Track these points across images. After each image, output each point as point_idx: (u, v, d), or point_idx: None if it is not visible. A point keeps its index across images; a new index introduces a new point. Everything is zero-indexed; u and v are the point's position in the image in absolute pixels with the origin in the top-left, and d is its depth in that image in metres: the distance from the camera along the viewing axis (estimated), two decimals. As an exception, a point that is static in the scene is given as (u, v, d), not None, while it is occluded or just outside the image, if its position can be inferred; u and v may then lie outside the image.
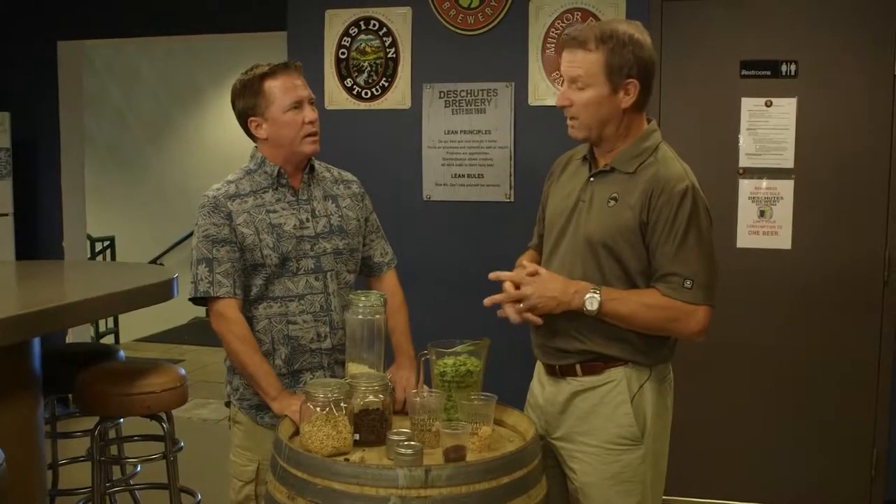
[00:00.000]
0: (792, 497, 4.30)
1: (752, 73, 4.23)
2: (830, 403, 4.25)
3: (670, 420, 2.52)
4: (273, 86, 2.69)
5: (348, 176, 3.02)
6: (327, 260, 2.77)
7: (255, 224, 2.68)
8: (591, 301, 2.34)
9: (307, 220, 2.76)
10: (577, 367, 2.46)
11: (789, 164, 4.20)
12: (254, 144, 2.84)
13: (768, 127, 4.22)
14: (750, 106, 4.24)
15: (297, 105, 2.70)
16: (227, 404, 2.89)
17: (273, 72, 2.70)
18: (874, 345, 4.19)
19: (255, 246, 2.66)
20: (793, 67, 4.19)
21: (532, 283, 2.43)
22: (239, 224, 2.66)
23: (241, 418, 2.80)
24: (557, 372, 2.51)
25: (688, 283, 2.31)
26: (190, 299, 2.70)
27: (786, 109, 4.20)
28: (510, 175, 4.52)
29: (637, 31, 2.40)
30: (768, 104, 4.21)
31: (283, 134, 2.70)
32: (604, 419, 2.43)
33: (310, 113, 2.73)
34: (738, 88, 4.23)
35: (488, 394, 2.39)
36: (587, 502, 2.47)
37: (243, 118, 2.74)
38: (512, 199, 4.53)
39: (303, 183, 2.81)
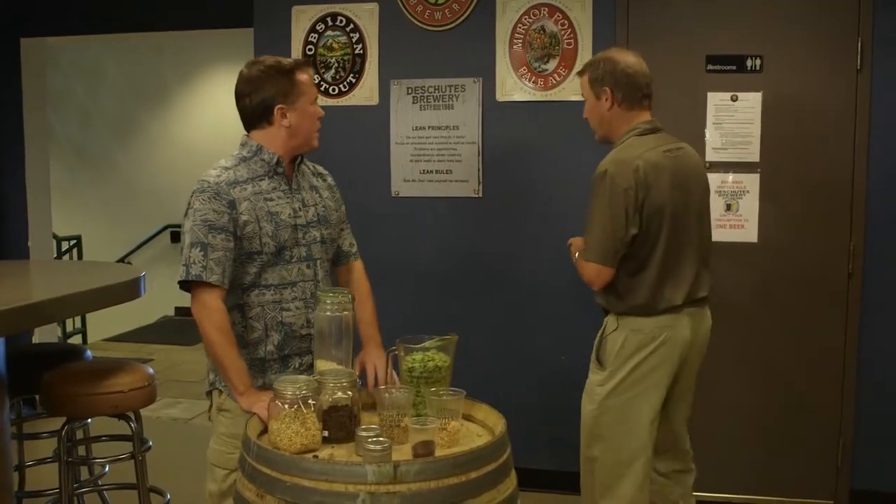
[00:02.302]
0: (758, 488, 4.34)
1: (718, 67, 4.26)
2: (797, 395, 4.29)
3: (642, 366, 3.09)
4: (303, 78, 2.79)
5: (321, 169, 3.09)
6: (316, 248, 2.86)
7: (256, 212, 2.71)
8: (575, 254, 3.22)
9: (300, 208, 2.83)
10: (602, 311, 3.25)
11: (755, 157, 4.25)
12: (244, 133, 2.84)
13: (734, 121, 4.25)
14: (716, 100, 4.27)
15: (315, 100, 2.85)
16: (209, 393, 2.88)
17: (302, 65, 2.82)
18: (839, 336, 4.24)
19: (254, 234, 2.70)
20: (758, 62, 4.23)
21: (573, 241, 3.36)
22: (242, 212, 2.69)
23: (229, 405, 2.78)
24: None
25: (584, 245, 3.13)
26: (180, 282, 2.68)
27: (751, 103, 4.24)
28: (478, 170, 4.52)
29: (617, 53, 3.22)
30: (734, 98, 4.25)
31: (304, 125, 2.79)
32: (595, 346, 3.23)
33: (320, 109, 2.86)
34: (704, 83, 4.27)
35: (456, 389, 2.40)
36: None
37: (268, 104, 2.75)
38: (480, 195, 4.54)
39: (295, 173, 2.87)
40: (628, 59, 3.17)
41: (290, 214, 2.79)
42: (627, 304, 3.10)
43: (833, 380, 4.26)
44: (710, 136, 4.26)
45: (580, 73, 3.30)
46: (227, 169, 2.76)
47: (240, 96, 2.79)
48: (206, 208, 2.65)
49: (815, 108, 4.19)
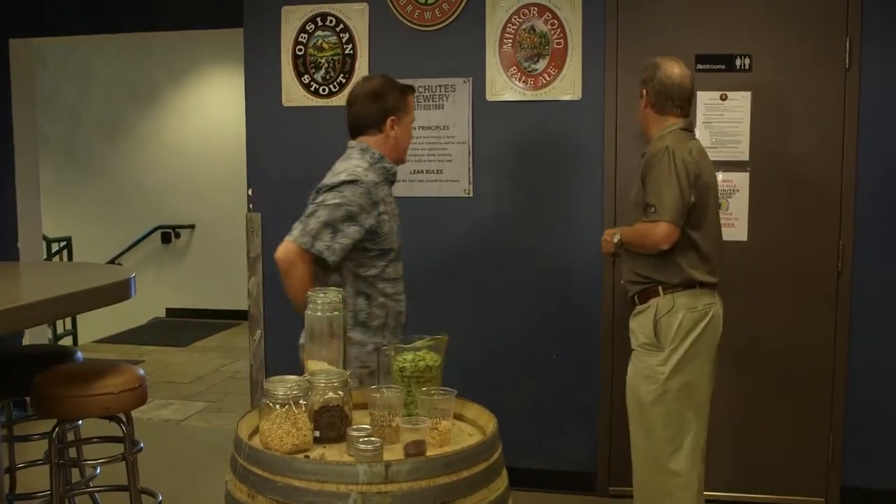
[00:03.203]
0: (749, 484, 4.36)
1: (707, 66, 4.27)
2: (787, 392, 4.31)
3: (702, 340, 3.40)
4: (412, 101, 3.25)
5: None
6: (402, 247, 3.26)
7: (389, 213, 3.09)
8: (616, 237, 3.51)
9: (398, 213, 3.24)
10: (636, 297, 3.50)
11: (744, 156, 4.27)
12: (355, 139, 3.20)
13: (723, 120, 4.27)
14: (705, 99, 4.28)
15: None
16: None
17: (412, 90, 3.27)
18: (829, 334, 4.25)
19: (389, 233, 3.08)
20: (747, 61, 4.25)
21: (605, 233, 3.64)
22: (383, 212, 3.05)
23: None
24: (634, 301, 3.52)
25: (651, 209, 3.30)
26: (292, 241, 2.97)
27: (740, 103, 4.26)
28: (469, 170, 4.53)
29: (665, 62, 3.50)
30: (723, 98, 4.26)
31: (404, 140, 3.21)
32: (641, 331, 3.46)
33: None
34: (694, 82, 4.25)
35: (447, 388, 2.40)
36: (628, 391, 3.57)
37: (384, 114, 3.14)
38: (471, 195, 4.54)
39: None
40: (672, 70, 3.48)
41: (397, 216, 3.21)
42: (684, 273, 3.37)
43: (823, 376, 4.28)
44: (700, 135, 4.23)
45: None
46: (366, 170, 3.07)
47: (358, 103, 3.17)
48: (356, 201, 2.98)
49: (804, 106, 4.21)
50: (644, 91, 3.53)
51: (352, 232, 2.97)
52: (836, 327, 4.24)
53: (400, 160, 3.23)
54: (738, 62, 4.26)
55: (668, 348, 3.40)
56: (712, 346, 3.47)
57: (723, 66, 4.27)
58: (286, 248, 2.98)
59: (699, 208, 3.37)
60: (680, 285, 3.39)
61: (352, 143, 3.20)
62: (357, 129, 3.18)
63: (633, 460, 3.58)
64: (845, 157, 4.17)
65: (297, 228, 2.98)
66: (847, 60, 4.14)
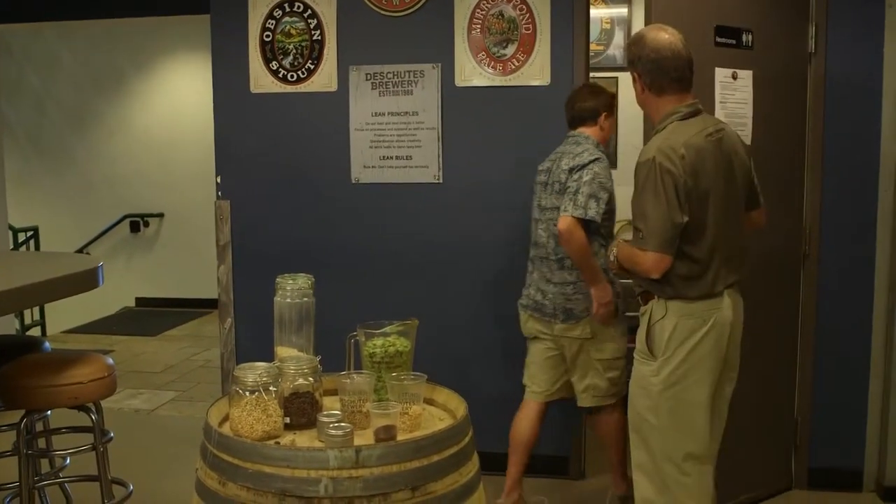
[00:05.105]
0: (715, 467, 4.38)
1: (723, 41, 3.88)
2: (753, 374, 4.33)
3: (697, 351, 3.03)
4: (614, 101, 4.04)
5: None
6: None
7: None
8: (611, 254, 3.24)
9: None
10: (639, 297, 3.24)
11: (748, 139, 3.89)
12: (575, 129, 3.92)
13: (735, 101, 3.95)
14: (721, 77, 3.91)
15: None
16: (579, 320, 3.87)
17: (613, 95, 4.06)
18: (795, 316, 4.29)
19: (613, 198, 3.78)
20: (750, 37, 3.95)
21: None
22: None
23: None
24: (639, 300, 3.26)
25: (639, 235, 2.97)
26: (569, 215, 3.65)
27: (746, 82, 3.97)
28: (438, 156, 4.52)
29: (650, 32, 3.08)
30: (734, 76, 3.94)
31: (609, 132, 3.96)
32: (638, 336, 3.15)
33: None
34: (712, 57, 3.85)
35: (418, 373, 2.41)
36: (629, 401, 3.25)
37: (599, 110, 3.88)
38: (441, 181, 4.54)
39: None
40: (659, 40, 3.03)
41: None
42: (676, 290, 3.01)
43: (789, 358, 4.31)
44: (717, 115, 3.79)
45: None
46: (596, 150, 3.81)
47: (580, 100, 3.91)
48: (603, 173, 3.73)
49: (776, 88, 4.14)
50: (635, 75, 3.11)
51: (605, 197, 3.68)
52: (802, 308, 4.27)
53: (605, 146, 3.93)
54: (744, 38, 3.93)
55: (660, 358, 3.05)
56: (716, 356, 3.10)
57: (733, 42, 3.89)
58: (566, 221, 3.64)
59: (695, 223, 2.97)
60: (674, 296, 3.04)
61: (573, 132, 3.91)
62: (577, 120, 3.91)
63: (633, 475, 3.27)
64: (809, 140, 4.19)
65: (569, 204, 3.65)
66: (812, 45, 4.15)
